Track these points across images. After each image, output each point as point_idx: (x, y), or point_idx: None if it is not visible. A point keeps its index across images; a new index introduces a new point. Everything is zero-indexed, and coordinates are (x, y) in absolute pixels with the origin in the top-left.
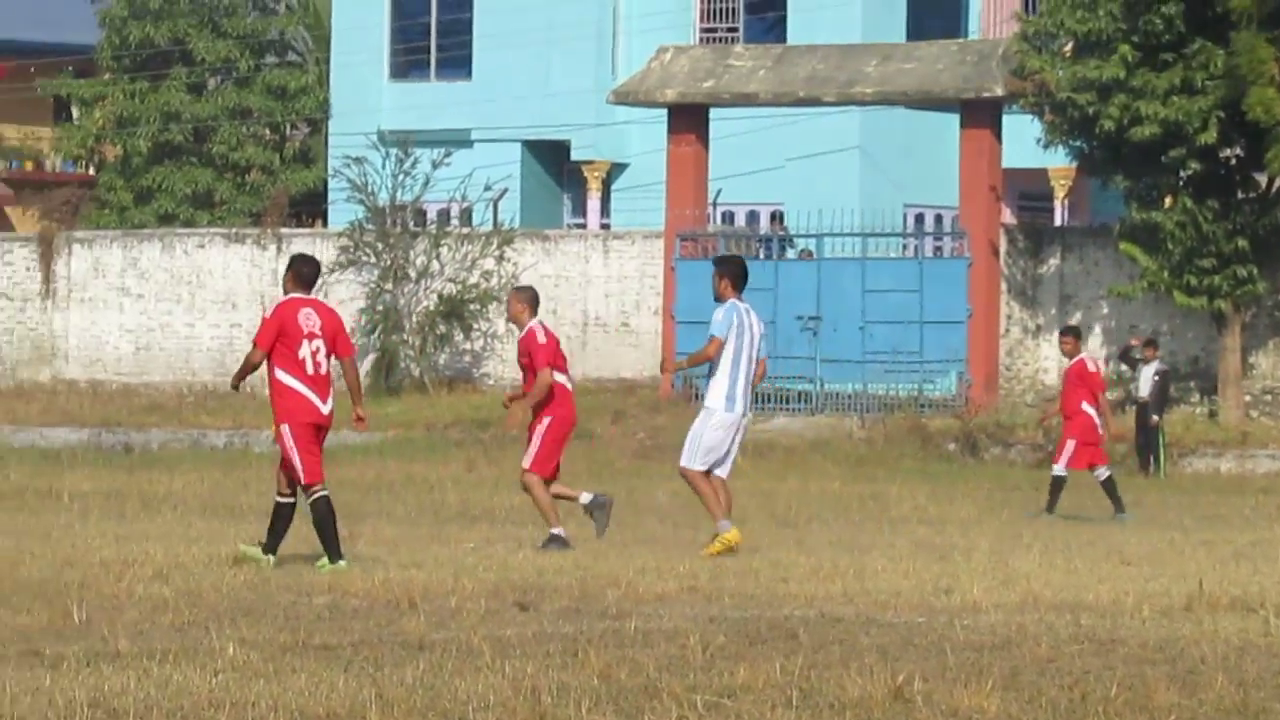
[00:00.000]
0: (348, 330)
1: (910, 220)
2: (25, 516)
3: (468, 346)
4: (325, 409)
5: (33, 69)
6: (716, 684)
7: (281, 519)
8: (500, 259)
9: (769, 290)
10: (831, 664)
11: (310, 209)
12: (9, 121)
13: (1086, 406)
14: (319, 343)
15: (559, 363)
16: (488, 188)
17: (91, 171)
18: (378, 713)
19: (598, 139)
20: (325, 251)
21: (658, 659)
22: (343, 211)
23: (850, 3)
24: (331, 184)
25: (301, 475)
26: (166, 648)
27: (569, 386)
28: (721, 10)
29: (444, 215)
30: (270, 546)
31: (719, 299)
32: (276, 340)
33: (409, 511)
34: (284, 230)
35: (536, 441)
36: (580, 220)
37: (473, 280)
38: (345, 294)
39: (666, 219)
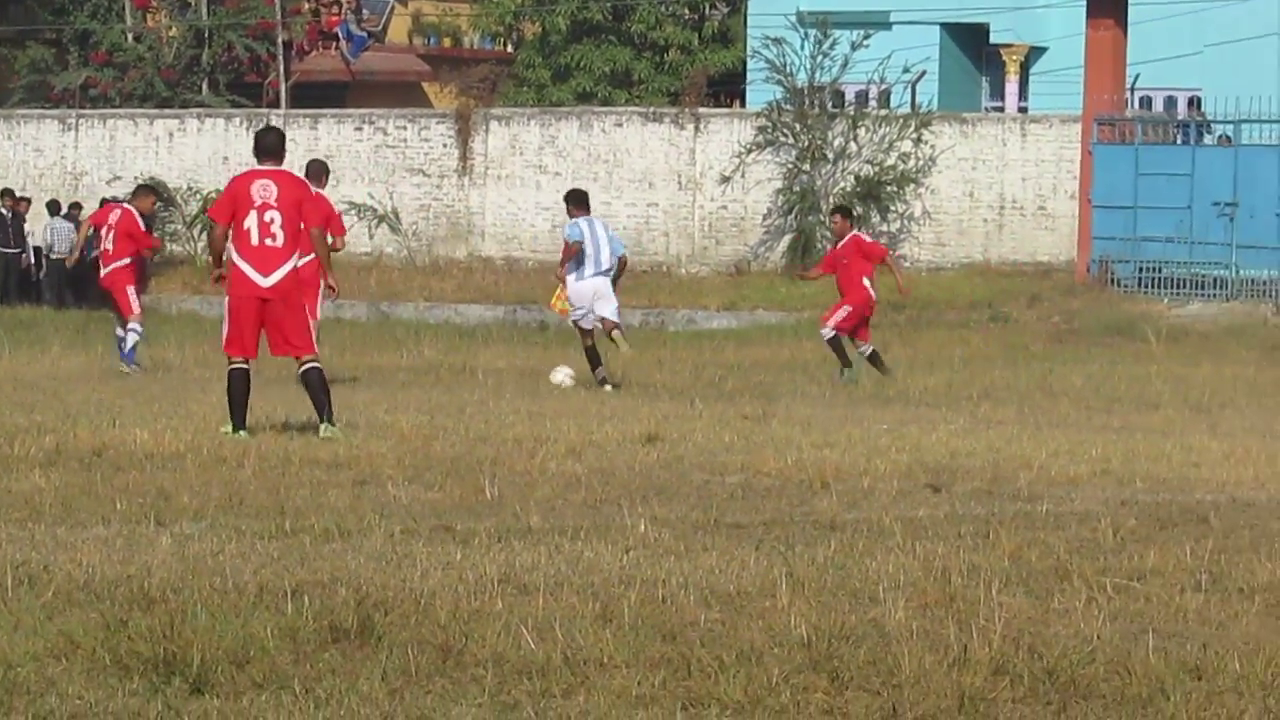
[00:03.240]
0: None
1: None
2: (439, 393)
3: (884, 228)
4: (266, 282)
5: None
6: (1126, 567)
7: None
8: (918, 141)
9: (1185, 176)
10: (1242, 549)
11: (728, 89)
12: None
13: None
14: (272, 214)
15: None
16: (906, 70)
17: (509, 49)
18: (788, 590)
19: (1017, 22)
20: (743, 132)
21: (1068, 541)
22: (761, 92)
23: None
24: (750, 64)
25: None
26: (578, 524)
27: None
28: None
29: (862, 97)
30: (326, 416)
31: None
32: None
33: (823, 392)
34: (701, 110)
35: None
36: (998, 103)
37: (890, 162)
38: (762, 174)
39: (1084, 103)
